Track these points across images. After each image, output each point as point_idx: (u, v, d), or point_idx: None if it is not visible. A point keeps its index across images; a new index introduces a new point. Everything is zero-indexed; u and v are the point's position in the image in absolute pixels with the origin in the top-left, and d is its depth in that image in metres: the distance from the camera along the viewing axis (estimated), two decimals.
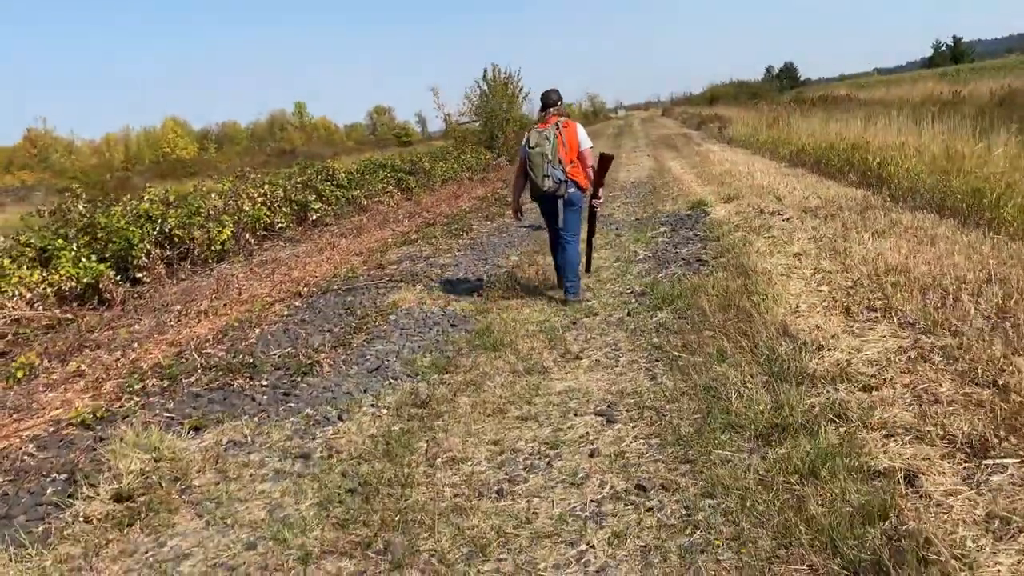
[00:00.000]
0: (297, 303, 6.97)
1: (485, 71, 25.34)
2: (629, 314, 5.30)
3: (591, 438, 3.42)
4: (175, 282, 9.14)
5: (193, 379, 4.94)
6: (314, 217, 12.68)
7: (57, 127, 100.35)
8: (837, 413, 3.14)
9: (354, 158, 27.27)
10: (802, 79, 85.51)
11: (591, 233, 6.32)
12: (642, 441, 3.32)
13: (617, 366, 4.32)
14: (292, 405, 4.33)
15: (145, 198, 9.92)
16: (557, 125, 5.52)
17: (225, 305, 7.27)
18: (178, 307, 7.42)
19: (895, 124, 11.69)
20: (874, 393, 3.31)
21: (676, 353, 4.24)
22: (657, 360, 4.27)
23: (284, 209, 12.22)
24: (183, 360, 5.39)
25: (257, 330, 6.08)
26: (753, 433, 3.12)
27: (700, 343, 4.30)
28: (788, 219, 7.68)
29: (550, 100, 5.69)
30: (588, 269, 6.42)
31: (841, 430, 3.00)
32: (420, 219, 12.21)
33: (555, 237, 5.87)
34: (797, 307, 4.62)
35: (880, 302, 4.43)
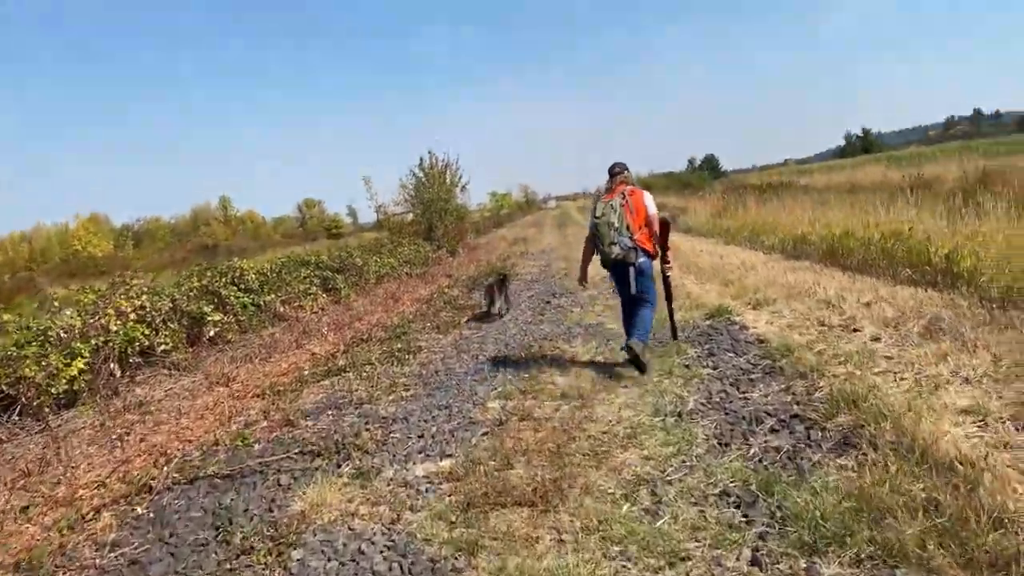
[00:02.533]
0: (141, 508, 4.17)
1: (421, 159, 23.72)
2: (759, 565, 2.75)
3: None
4: None
5: None
6: (211, 333, 9.85)
7: None
8: None
9: (280, 252, 24.57)
10: (721, 170, 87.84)
11: (669, 300, 6.23)
12: None
13: None
14: None
15: None
16: (623, 194, 5.57)
17: (27, 508, 4.41)
18: None
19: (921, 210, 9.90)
20: None
21: None
22: None
23: (172, 325, 9.36)
24: None
25: None
26: None
27: None
28: (878, 339, 5.44)
29: (614, 170, 5.82)
30: (675, 336, 6.37)
31: None
32: (350, 332, 9.55)
33: (627, 304, 5.80)
34: None
35: None
